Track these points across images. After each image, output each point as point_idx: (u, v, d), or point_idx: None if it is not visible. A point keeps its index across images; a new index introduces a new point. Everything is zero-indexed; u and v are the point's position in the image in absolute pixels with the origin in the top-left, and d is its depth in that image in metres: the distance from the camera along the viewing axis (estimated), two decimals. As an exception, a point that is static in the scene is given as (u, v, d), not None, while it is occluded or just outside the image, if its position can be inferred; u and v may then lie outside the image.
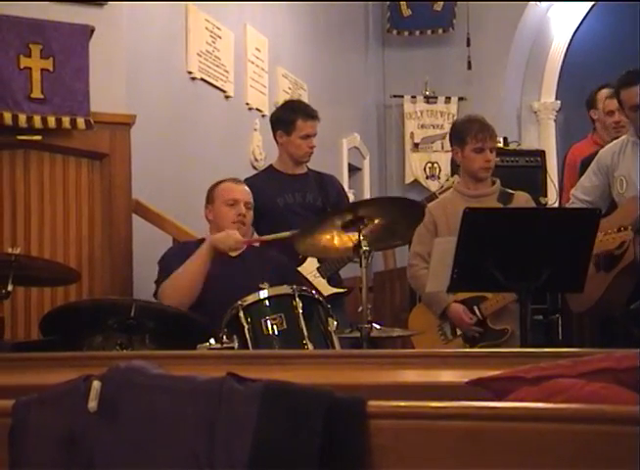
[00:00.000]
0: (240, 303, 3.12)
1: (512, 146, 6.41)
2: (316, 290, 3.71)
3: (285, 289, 3.17)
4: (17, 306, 4.18)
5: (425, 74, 8.46)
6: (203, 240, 3.83)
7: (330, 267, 4.38)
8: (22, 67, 4.13)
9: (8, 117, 4.09)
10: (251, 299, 3.13)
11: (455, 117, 7.81)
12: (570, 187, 4.60)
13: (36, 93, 4.15)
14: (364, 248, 3.13)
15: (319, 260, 4.37)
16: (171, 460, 1.45)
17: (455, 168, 4.83)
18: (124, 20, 4.65)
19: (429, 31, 8.49)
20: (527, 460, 1.31)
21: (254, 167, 5.93)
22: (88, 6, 4.43)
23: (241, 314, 3.09)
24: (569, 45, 8.97)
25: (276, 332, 3.09)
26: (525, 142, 8.27)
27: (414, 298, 4.73)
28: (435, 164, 8.49)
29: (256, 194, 4.05)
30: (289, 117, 4.53)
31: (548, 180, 5.82)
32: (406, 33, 8.55)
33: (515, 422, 1.33)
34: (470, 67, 8.24)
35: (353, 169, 8.09)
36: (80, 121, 4.23)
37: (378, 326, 3.14)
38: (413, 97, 8.55)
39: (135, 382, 1.51)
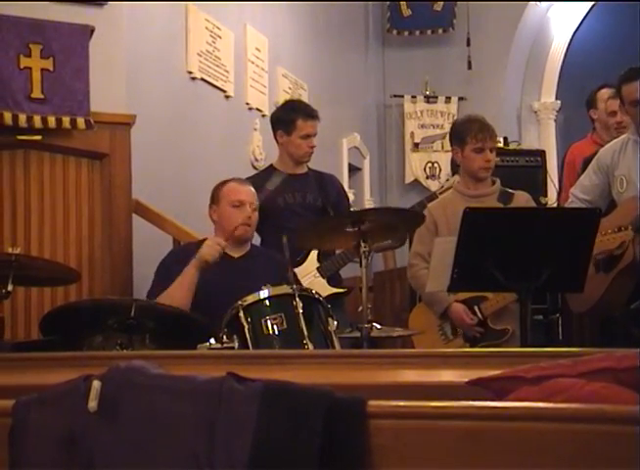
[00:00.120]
0: (240, 302, 3.11)
1: (512, 146, 6.42)
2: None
3: (285, 289, 3.17)
4: (17, 306, 4.18)
5: (425, 74, 8.46)
6: (204, 240, 3.82)
7: (330, 267, 4.37)
8: (22, 67, 4.13)
9: (8, 116, 4.10)
10: (251, 298, 3.13)
11: (455, 117, 7.81)
12: (569, 186, 4.59)
13: (36, 93, 4.15)
14: (364, 248, 3.13)
15: (319, 260, 4.36)
16: (171, 460, 1.45)
17: (455, 168, 4.82)
18: (124, 20, 4.65)
19: (429, 31, 8.49)
20: (527, 460, 1.32)
21: (254, 167, 5.92)
22: (88, 6, 4.43)
23: (241, 314, 3.09)
24: (569, 45, 8.97)
25: (276, 332, 3.09)
26: (526, 142, 8.27)
27: (414, 298, 4.73)
28: (436, 164, 8.49)
29: (256, 194, 4.05)
30: (289, 116, 4.53)
31: (548, 180, 5.82)
32: (406, 33, 8.55)
33: (515, 422, 1.33)
34: (470, 66, 8.24)
35: (353, 169, 8.08)
36: (80, 121, 4.24)
37: (378, 326, 3.14)
38: (413, 97, 8.54)
39: (135, 382, 1.51)
